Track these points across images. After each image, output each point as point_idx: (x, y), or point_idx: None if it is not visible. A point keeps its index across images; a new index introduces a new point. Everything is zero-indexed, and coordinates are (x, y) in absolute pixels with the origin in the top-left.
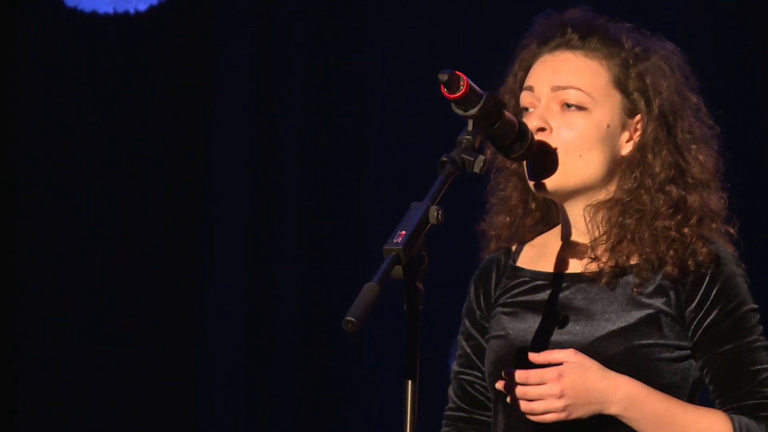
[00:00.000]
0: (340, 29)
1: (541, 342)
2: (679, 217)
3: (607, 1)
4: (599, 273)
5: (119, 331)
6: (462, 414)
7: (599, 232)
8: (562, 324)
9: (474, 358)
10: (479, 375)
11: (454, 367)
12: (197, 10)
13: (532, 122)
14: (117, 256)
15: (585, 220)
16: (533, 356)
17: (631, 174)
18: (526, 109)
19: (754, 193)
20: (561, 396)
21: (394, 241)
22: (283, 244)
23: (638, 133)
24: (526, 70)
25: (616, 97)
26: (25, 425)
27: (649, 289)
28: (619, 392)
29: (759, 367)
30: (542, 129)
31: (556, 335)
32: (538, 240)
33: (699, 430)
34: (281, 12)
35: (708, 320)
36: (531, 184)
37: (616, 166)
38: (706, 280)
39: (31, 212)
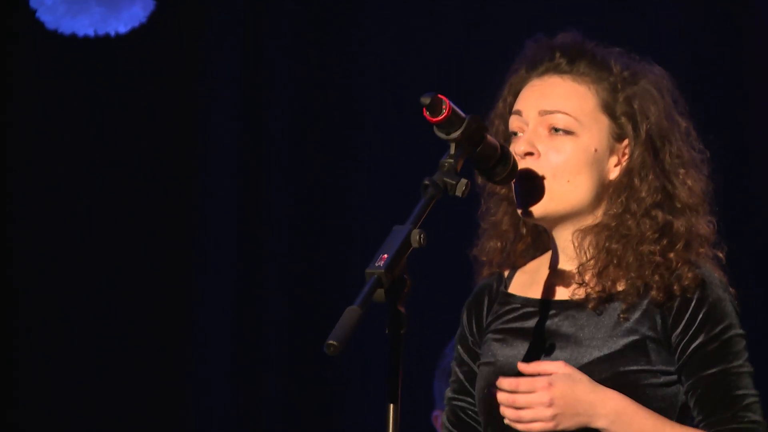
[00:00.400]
0: (327, 36)
1: None
2: (665, 241)
3: (602, 10)
4: (586, 298)
5: (108, 331)
6: None
7: (586, 257)
8: (550, 351)
9: (466, 384)
10: (471, 401)
11: (448, 392)
12: (186, 17)
13: (519, 147)
14: (106, 259)
15: (573, 246)
16: (523, 366)
17: (618, 198)
18: (515, 134)
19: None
20: (550, 405)
21: (376, 264)
22: (272, 248)
23: (626, 157)
24: (516, 95)
25: (603, 122)
26: (25, 425)
27: (636, 314)
28: (607, 406)
29: (744, 392)
30: (530, 153)
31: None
32: (531, 265)
33: None
34: (269, 20)
35: (694, 344)
36: (519, 211)
37: (604, 191)
38: (692, 305)
39: (24, 214)
